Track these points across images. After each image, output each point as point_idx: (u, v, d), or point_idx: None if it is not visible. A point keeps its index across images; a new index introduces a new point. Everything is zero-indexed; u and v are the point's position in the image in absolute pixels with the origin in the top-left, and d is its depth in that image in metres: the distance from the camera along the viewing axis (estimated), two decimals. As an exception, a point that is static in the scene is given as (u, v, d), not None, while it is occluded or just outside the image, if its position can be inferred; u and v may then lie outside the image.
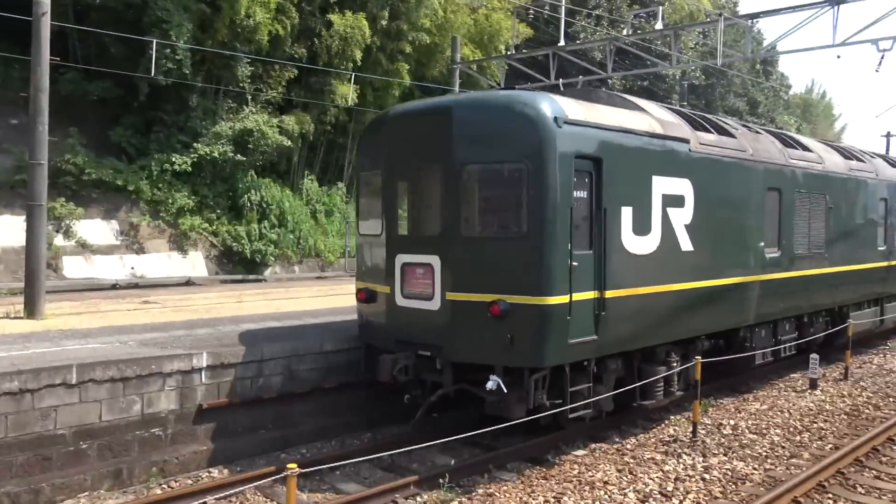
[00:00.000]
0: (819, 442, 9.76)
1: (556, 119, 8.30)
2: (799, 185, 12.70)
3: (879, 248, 15.59)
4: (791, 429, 10.29)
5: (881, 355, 15.94)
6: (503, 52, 25.24)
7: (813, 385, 12.63)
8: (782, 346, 12.65)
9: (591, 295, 8.71)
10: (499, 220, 8.63)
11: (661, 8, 21.41)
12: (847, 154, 15.52)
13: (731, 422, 10.49)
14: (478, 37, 26.36)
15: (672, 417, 10.88)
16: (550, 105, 8.43)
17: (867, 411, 11.30)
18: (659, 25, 19.95)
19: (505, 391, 8.36)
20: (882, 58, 15.78)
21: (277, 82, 21.94)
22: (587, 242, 8.72)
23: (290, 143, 21.28)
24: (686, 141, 10.13)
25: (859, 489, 8.22)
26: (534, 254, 8.25)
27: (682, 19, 31.93)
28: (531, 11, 25.98)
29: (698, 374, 9.77)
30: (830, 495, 8.01)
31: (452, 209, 8.70)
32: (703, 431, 9.98)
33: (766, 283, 11.73)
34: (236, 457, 9.07)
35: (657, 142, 9.65)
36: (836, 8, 15.71)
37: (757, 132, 12.78)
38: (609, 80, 29.17)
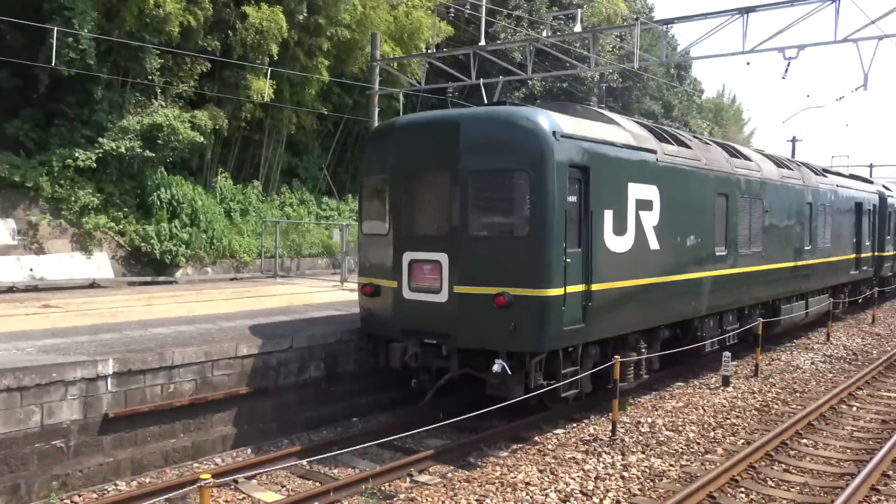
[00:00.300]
0: (732, 437, 10.12)
1: (554, 133, 9.60)
2: (742, 191, 14.34)
3: (806, 248, 17.43)
4: (705, 425, 10.63)
5: (788, 352, 16.59)
6: (424, 50, 25.27)
7: (726, 382, 13.12)
8: (727, 335, 14.15)
9: (580, 288, 9.98)
10: (503, 222, 9.80)
11: (579, 10, 21.90)
12: (779, 162, 17.35)
13: (649, 420, 10.79)
14: (398, 34, 26.32)
15: (592, 416, 11.13)
16: (549, 120, 9.70)
17: (776, 406, 11.81)
18: (578, 28, 20.38)
19: (510, 373, 9.52)
20: (788, 65, 16.57)
21: (189, 76, 21.35)
22: (577, 241, 9.98)
23: (202, 138, 20.72)
24: (654, 151, 11.64)
25: (769, 482, 8.56)
26: (535, 251, 9.47)
27: (600, 22, 32.68)
28: (452, 10, 26.11)
29: (616, 375, 10.21)
30: (743, 489, 8.32)
31: (460, 211, 9.85)
32: (622, 430, 10.23)
33: (716, 278, 13.32)
34: (145, 468, 8.86)
35: (632, 152, 11.11)
36: (745, 16, 16.36)
37: (707, 143, 14.41)
38: (529, 82, 29.64)
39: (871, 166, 54.68)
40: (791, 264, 16.58)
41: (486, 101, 20.57)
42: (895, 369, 15.01)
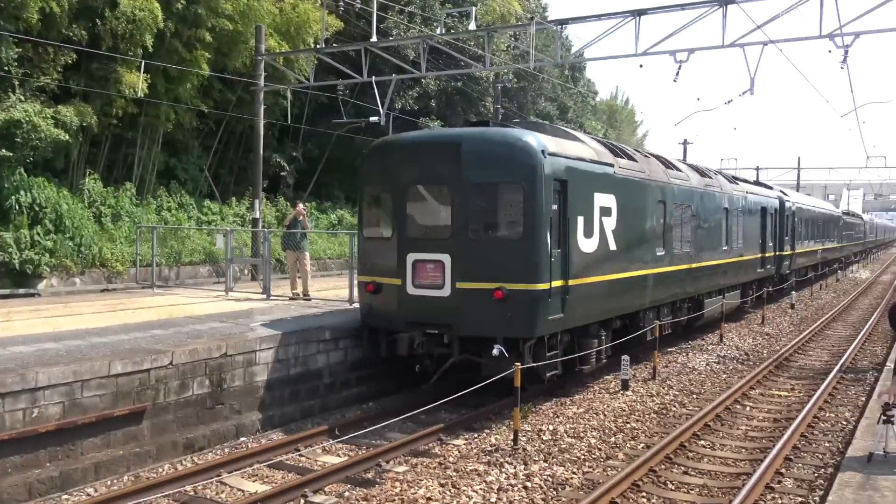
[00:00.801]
0: (632, 442, 10.38)
1: (542, 151, 11.76)
2: (675, 198, 16.87)
3: (723, 248, 20.15)
4: (606, 430, 10.88)
5: (684, 354, 17.13)
6: (312, 45, 24.78)
7: (625, 386, 13.49)
8: (663, 322, 16.50)
9: (560, 283, 12.08)
10: (500, 226, 11.97)
11: (473, 8, 21.95)
12: (702, 172, 20.14)
13: (550, 427, 10.96)
14: (284, 27, 25.68)
15: (493, 426, 11.28)
16: (537, 140, 11.90)
17: (674, 409, 12.23)
18: (472, 26, 20.46)
19: (507, 356, 11.43)
20: (679, 68, 17.09)
21: (52, 67, 20.18)
22: (558, 243, 12.12)
23: (67, 136, 19.66)
24: (612, 165, 14.04)
25: (670, 486, 8.82)
26: (528, 251, 11.61)
27: (494, 21, 32.94)
28: (341, 4, 25.73)
29: (516, 382, 10.30)
30: (644, 493, 8.52)
31: (462, 217, 11.93)
32: (524, 438, 10.31)
33: (657, 275, 15.75)
34: (6, 502, 8.21)
35: (597, 166, 13.45)
36: (637, 19, 16.77)
37: (647, 156, 16.82)
38: (423, 80, 29.58)
39: (757, 169, 57.84)
40: (712, 263, 19.17)
41: (378, 100, 20.84)
42: (784, 368, 15.67)
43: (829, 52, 16.00)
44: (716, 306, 19.77)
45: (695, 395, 13.10)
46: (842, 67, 16.20)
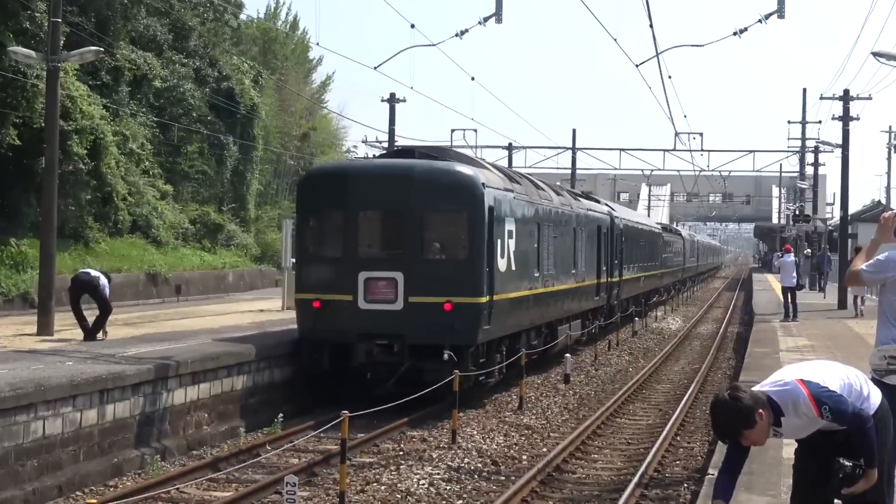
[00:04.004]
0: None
1: (483, 184, 19.35)
2: (544, 220, 24.20)
3: (572, 272, 27.83)
4: None
5: (394, 467, 15.50)
6: None
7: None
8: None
9: (487, 298, 19.32)
10: (448, 248, 19.82)
11: None
12: (556, 190, 27.50)
13: None
14: None
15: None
16: (476, 173, 19.69)
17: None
18: None
19: (455, 360, 18.37)
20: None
21: None
22: (488, 263, 19.37)
23: None
24: (512, 191, 21.34)
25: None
26: (472, 270, 19.19)
27: None
28: None
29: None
30: None
31: (416, 240, 19.25)
32: None
33: (536, 296, 23.46)
34: None
35: (507, 193, 20.99)
36: None
37: (521, 177, 24.71)
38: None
39: (509, 147, 60.08)
40: (566, 287, 26.35)
41: None
42: (555, 486, 14.86)
43: None
44: (565, 335, 25.79)
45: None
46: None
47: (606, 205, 36.07)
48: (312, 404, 20.12)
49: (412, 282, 18.76)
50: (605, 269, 31.94)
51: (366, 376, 19.47)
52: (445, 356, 18.29)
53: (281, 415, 18.11)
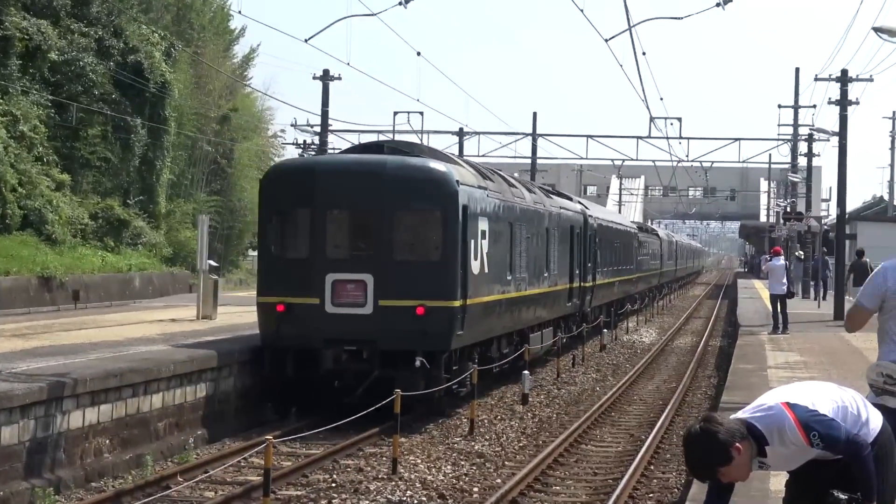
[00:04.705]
0: None
1: (457, 181, 20.78)
2: (518, 219, 26.09)
3: (545, 275, 29.75)
4: None
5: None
6: None
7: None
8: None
9: (461, 302, 20.89)
10: (420, 248, 21.19)
11: None
12: (528, 187, 29.66)
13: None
14: None
15: None
16: (450, 170, 21.03)
17: None
18: None
19: (428, 366, 19.99)
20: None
21: None
22: (461, 265, 20.93)
23: None
24: (485, 189, 23.01)
25: None
26: (445, 272, 20.63)
27: None
28: None
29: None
30: None
31: (385, 240, 20.62)
32: None
33: (508, 300, 25.22)
34: None
35: (480, 191, 22.66)
36: None
37: (493, 173, 26.25)
38: None
39: (460, 133, 60.11)
40: (539, 291, 28.27)
41: None
42: None
43: None
44: (538, 345, 27.51)
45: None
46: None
47: (579, 202, 37.86)
48: (237, 427, 20.23)
49: (382, 284, 20.22)
50: (577, 272, 33.91)
51: (333, 384, 20.75)
52: (418, 363, 19.88)
53: (192, 440, 17.93)
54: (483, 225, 22.33)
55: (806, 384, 6.77)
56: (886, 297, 8.52)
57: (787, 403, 6.30)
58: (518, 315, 26.28)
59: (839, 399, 6.49)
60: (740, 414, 6.46)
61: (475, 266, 21.62)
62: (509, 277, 24.93)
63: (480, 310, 22.12)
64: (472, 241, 21.36)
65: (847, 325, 9.24)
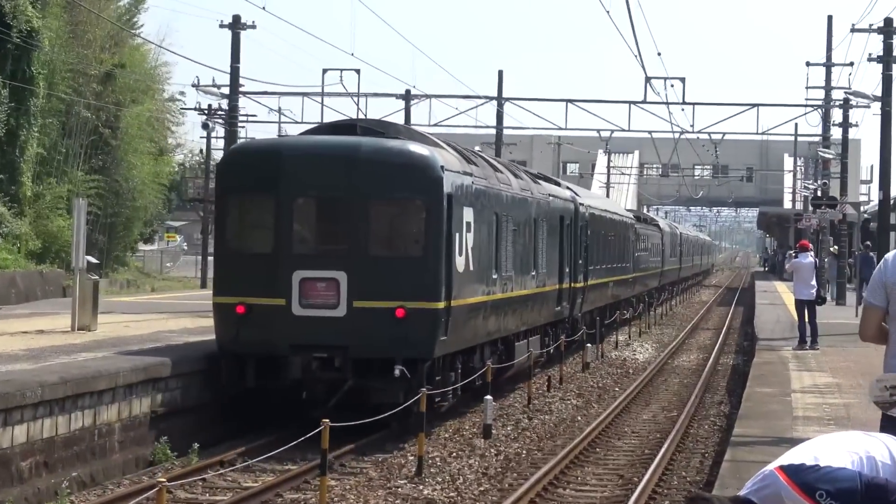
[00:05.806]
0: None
1: (442, 167, 22.44)
2: (505, 209, 27.66)
3: (532, 273, 31.98)
4: None
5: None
6: None
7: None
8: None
9: (445, 304, 22.42)
10: (400, 243, 23.22)
11: None
12: (514, 171, 31.90)
13: None
14: None
15: None
16: (433, 153, 22.68)
17: None
18: None
19: (409, 376, 21.31)
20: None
21: None
22: (446, 261, 22.32)
23: None
24: (470, 175, 24.39)
25: None
26: (428, 269, 22.37)
27: None
28: None
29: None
30: None
31: (360, 234, 22.19)
32: None
33: (493, 302, 27.00)
34: None
35: (463, 177, 23.96)
36: None
37: (475, 155, 27.72)
38: None
39: (407, 95, 59.40)
40: (526, 292, 30.36)
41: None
42: None
43: None
44: (525, 355, 29.30)
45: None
46: None
47: (568, 188, 40.10)
48: (123, 465, 20.35)
49: (357, 283, 21.69)
50: (568, 270, 35.98)
51: (300, 396, 21.94)
52: (397, 372, 21.29)
53: (65, 483, 17.84)
54: (468, 216, 23.81)
55: (819, 437, 6.62)
56: (889, 291, 8.81)
57: (780, 467, 6.20)
58: (504, 320, 27.94)
59: (862, 449, 6.26)
60: (743, 490, 6.41)
61: (460, 263, 23.09)
62: (495, 276, 26.50)
63: (466, 312, 23.69)
64: (457, 235, 22.71)
65: (860, 329, 9.50)
